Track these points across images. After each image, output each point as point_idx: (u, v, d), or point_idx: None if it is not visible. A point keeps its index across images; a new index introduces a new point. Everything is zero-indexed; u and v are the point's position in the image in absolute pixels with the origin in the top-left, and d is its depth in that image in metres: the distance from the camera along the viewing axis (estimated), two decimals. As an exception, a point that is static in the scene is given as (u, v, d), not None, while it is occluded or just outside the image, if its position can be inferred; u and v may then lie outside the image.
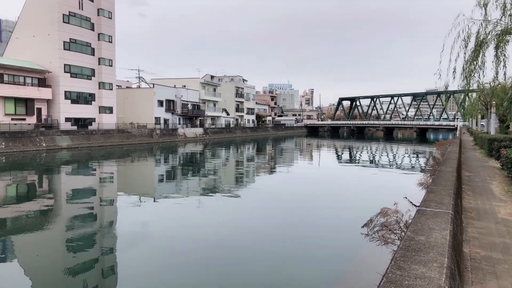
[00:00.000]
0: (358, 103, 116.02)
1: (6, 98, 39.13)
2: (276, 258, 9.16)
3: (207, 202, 16.40)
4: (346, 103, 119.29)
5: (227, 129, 76.21)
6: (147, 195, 18.43)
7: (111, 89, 51.40)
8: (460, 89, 9.28)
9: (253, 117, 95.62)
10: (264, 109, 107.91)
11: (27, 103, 41.25)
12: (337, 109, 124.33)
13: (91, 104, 48.53)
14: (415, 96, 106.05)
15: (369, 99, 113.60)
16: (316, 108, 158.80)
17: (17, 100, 40.25)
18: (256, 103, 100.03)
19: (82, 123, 46.73)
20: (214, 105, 77.01)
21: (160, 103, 59.97)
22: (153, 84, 63.18)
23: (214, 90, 77.74)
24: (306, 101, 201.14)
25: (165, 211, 14.58)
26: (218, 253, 9.48)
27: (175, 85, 65.79)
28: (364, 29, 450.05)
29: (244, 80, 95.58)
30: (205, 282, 7.89)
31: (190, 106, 66.54)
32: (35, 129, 40.37)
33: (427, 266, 3.06)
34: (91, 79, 48.40)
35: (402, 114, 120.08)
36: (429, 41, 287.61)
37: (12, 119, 39.17)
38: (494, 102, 24.77)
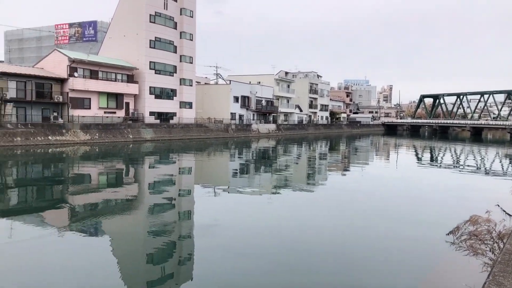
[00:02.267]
0: (442, 101, 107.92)
1: (100, 93, 43.18)
2: (347, 262, 8.86)
3: (278, 198, 16.49)
4: (428, 101, 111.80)
5: (299, 126, 75.88)
6: (222, 187, 19.08)
7: (191, 85, 54.03)
8: None
9: (326, 113, 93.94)
10: (339, 105, 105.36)
11: (117, 98, 45.08)
12: (418, 106, 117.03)
13: (172, 99, 51.52)
14: (509, 93, 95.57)
15: (455, 97, 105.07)
16: (395, 105, 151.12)
17: (109, 95, 44.20)
18: (331, 99, 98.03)
19: (164, 117, 49.84)
20: (288, 101, 77.08)
21: (236, 99, 61.59)
22: (230, 80, 65.12)
23: (288, 86, 77.76)
24: (384, 98, 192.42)
25: (238, 204, 14.97)
26: (287, 249, 9.45)
27: (250, 82, 67.10)
28: (450, 21, 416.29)
29: (318, 76, 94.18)
30: (272, 276, 7.93)
31: (264, 102, 67.42)
32: (124, 122, 44.01)
33: (532, 284, 2.72)
34: (173, 76, 51.35)
35: (494, 114, 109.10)
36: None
37: (105, 112, 43.14)
38: None
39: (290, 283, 7.60)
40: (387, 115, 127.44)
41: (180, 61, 52.29)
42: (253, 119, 65.26)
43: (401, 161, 36.05)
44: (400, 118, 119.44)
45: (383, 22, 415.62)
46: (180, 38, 52.12)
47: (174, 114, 51.51)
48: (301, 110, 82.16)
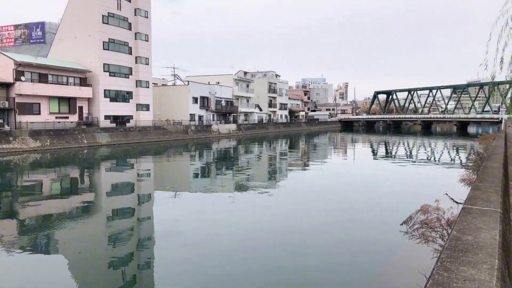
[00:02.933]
0: (394, 97, 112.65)
1: (51, 98, 41.10)
2: (310, 256, 9.07)
3: (240, 198, 16.51)
4: (382, 97, 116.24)
5: (260, 125, 76.38)
6: (183, 190, 18.81)
7: (148, 87, 52.79)
8: (507, 79, 8.76)
9: (286, 112, 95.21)
10: (297, 104, 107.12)
11: (70, 102, 43.15)
12: (372, 103, 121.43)
13: (128, 102, 50.08)
14: (455, 88, 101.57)
15: (406, 92, 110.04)
16: (350, 102, 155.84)
17: (60, 99, 42.18)
18: (289, 98, 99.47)
19: (120, 120, 48.33)
20: (247, 101, 77.34)
21: (195, 100, 60.94)
22: (188, 81, 64.30)
23: (247, 86, 78.05)
24: (340, 95, 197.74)
25: (200, 206, 14.82)
26: (249, 248, 9.51)
27: (209, 82, 66.63)
28: (402, 22, 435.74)
29: (277, 76, 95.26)
30: (237, 276, 7.95)
31: (223, 103, 67.21)
32: (77, 126, 42.20)
33: (476, 267, 2.90)
34: (128, 78, 49.91)
35: (441, 108, 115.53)
36: (471, 32, 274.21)
37: (56, 118, 41.11)
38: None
39: (256, 283, 7.65)
40: (343, 112, 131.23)
41: (136, 62, 50.95)
42: (213, 120, 64.88)
43: (358, 156, 37.29)
44: (356, 115, 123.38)
45: (339, 22, 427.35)
46: (135, 39, 50.79)
47: (131, 117, 50.11)
48: (261, 110, 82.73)
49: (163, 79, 77.40)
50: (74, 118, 43.44)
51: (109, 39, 46.84)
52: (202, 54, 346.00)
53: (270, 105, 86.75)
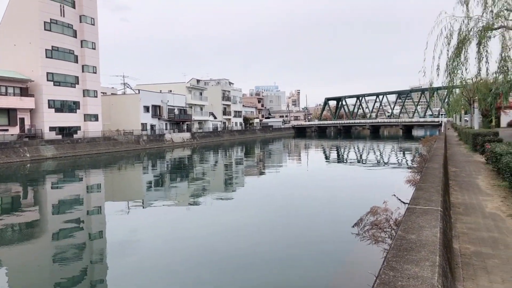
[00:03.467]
0: (344, 103, 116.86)
1: (-13, 109, 38.29)
2: (266, 261, 9.11)
3: (197, 207, 16.27)
4: (332, 103, 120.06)
5: (214, 133, 75.97)
6: (136, 202, 18.20)
7: (96, 96, 50.75)
8: (444, 85, 9.37)
9: (240, 119, 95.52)
10: (251, 111, 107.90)
11: (10, 113, 40.39)
12: (323, 109, 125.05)
13: (75, 112, 47.79)
14: (399, 93, 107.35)
15: (355, 98, 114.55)
16: (303, 109, 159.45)
17: (-2, 111, 39.42)
18: (243, 105, 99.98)
19: (67, 132, 45.95)
20: (201, 109, 76.73)
21: (146, 109, 59.47)
22: (139, 90, 62.63)
23: (201, 94, 77.47)
24: (293, 102, 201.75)
25: (155, 218, 14.40)
26: (207, 257, 9.38)
27: (160, 90, 65.33)
28: (349, 28, 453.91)
29: (230, 83, 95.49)
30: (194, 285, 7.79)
31: (176, 111, 66.14)
32: (18, 139, 39.54)
33: (419, 265, 3.04)
34: (75, 87, 47.67)
35: (388, 112, 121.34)
36: (414, 39, 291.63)
37: (-6, 130, 38.33)
38: (477, 98, 25.19)
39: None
40: (296, 118, 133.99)
41: (83, 71, 48.85)
42: (166, 129, 63.59)
43: (312, 161, 38.16)
44: (308, 121, 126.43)
45: (289, 31, 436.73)
46: (82, 47, 48.71)
47: (78, 128, 47.84)
48: (215, 117, 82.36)
49: (113, 88, 74.80)
50: (14, 130, 40.69)
51: (52, 46, 44.55)
52: (153, 62, 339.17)
53: (224, 113, 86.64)
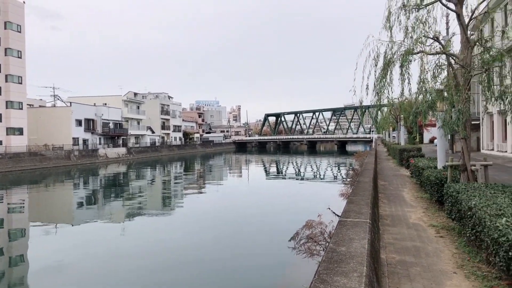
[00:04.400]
0: (283, 119, 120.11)
1: None
2: (204, 278, 8.91)
3: (131, 226, 15.54)
4: (272, 119, 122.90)
5: (152, 148, 73.75)
6: (65, 222, 16.94)
7: (21, 109, 47.01)
8: (372, 104, 9.98)
9: (180, 134, 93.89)
10: (192, 126, 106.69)
11: None
12: (263, 124, 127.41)
13: (-4, 125, 43.83)
14: (334, 111, 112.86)
15: (293, 115, 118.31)
16: (243, 124, 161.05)
17: None
18: (183, 120, 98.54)
19: (-15, 146, 41.86)
20: (138, 123, 74.30)
21: (79, 122, 56.27)
22: (70, 102, 59.15)
23: (138, 107, 75.13)
24: (233, 118, 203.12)
25: (85, 238, 13.48)
26: (143, 276, 8.95)
27: (95, 104, 62.30)
28: (287, 47, 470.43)
29: (169, 97, 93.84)
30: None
31: (111, 125, 63.35)
32: None
33: (348, 276, 3.15)
34: (-4, 98, 43.83)
35: (324, 128, 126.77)
36: (347, 60, 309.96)
37: None
38: (402, 116, 27.25)
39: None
40: (237, 133, 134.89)
41: (6, 81, 45.10)
42: (100, 144, 60.53)
43: (252, 176, 38.44)
44: (249, 136, 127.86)
45: (230, 47, 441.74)
46: (6, 55, 45.08)
47: (0, 142, 43.84)
48: (153, 132, 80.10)
49: (41, 100, 69.85)
50: None
51: (-30, 53, 40.77)
52: (87, 74, 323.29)
53: (163, 127, 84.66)
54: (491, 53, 7.65)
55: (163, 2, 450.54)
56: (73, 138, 54.26)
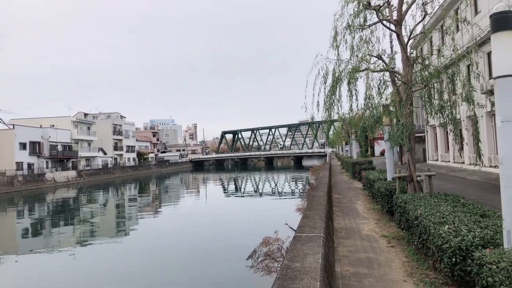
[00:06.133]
0: (240, 136, 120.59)
1: None
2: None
3: (82, 253, 14.68)
4: (229, 136, 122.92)
5: (104, 170, 70.88)
6: (8, 252, 15.68)
7: (-43, 132, 43.60)
8: (323, 120, 10.29)
9: (134, 155, 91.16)
10: (146, 146, 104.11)
11: None
12: (220, 142, 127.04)
13: None
14: (290, 127, 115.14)
15: (250, 132, 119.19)
16: (200, 142, 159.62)
17: None
18: (137, 140, 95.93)
19: None
20: (89, 144, 71.33)
21: (23, 146, 53.00)
22: (13, 125, 55.72)
23: (88, 128, 72.26)
24: (190, 136, 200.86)
25: (30, 269, 12.53)
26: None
27: (41, 125, 59.12)
28: (242, 65, 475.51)
29: (122, 117, 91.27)
30: None
31: (60, 147, 60.30)
32: None
33: (301, 293, 3.14)
34: None
35: (280, 144, 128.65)
36: (299, 77, 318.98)
37: None
38: (353, 130, 28.32)
39: None
40: (194, 152, 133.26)
41: None
42: (48, 167, 57.28)
43: (210, 194, 37.95)
44: (206, 154, 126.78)
45: (184, 66, 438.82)
46: None
47: None
48: (105, 153, 77.15)
49: (-20, 122, 65.19)
50: None
51: None
52: (32, 94, 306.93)
53: (116, 148, 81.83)
54: (429, 70, 8.19)
55: (113, 23, 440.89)
56: (16, 162, 50.92)
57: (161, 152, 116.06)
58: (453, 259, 3.90)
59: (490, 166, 17.95)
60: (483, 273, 3.17)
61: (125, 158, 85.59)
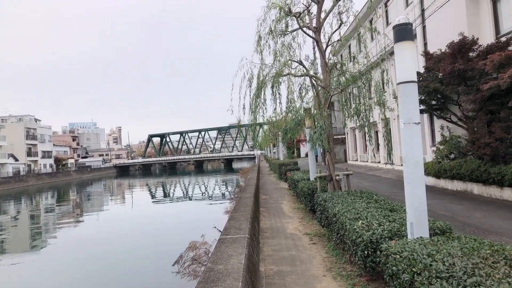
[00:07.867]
0: (168, 139, 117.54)
1: None
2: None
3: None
4: (156, 140, 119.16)
5: (16, 178, 64.51)
6: None
7: None
8: (249, 123, 10.45)
9: (51, 161, 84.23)
10: (65, 151, 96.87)
11: None
12: (147, 146, 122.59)
13: None
14: (220, 130, 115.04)
15: (179, 135, 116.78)
16: (125, 146, 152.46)
17: None
18: (54, 145, 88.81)
19: None
20: (-3, 150, 64.48)
21: None
22: None
23: (-3, 132, 65.30)
24: (114, 140, 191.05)
25: None
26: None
27: None
28: (168, 65, 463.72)
29: (37, 120, 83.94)
30: None
31: (-39, 154, 53.64)
32: None
33: (223, 295, 3.15)
34: None
35: (210, 147, 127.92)
36: (226, 80, 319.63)
37: None
38: (280, 133, 29.16)
39: None
40: (118, 156, 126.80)
41: None
42: None
43: (136, 201, 36.42)
44: (132, 159, 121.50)
45: (102, 66, 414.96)
46: None
47: None
48: (16, 160, 70.23)
49: None
50: None
51: None
52: None
53: (29, 154, 74.91)
54: (346, 76, 8.74)
55: (24, 20, 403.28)
56: None
57: (82, 157, 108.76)
58: (365, 252, 4.19)
59: (401, 165, 19.67)
60: (388, 262, 3.45)
61: (40, 164, 78.76)
